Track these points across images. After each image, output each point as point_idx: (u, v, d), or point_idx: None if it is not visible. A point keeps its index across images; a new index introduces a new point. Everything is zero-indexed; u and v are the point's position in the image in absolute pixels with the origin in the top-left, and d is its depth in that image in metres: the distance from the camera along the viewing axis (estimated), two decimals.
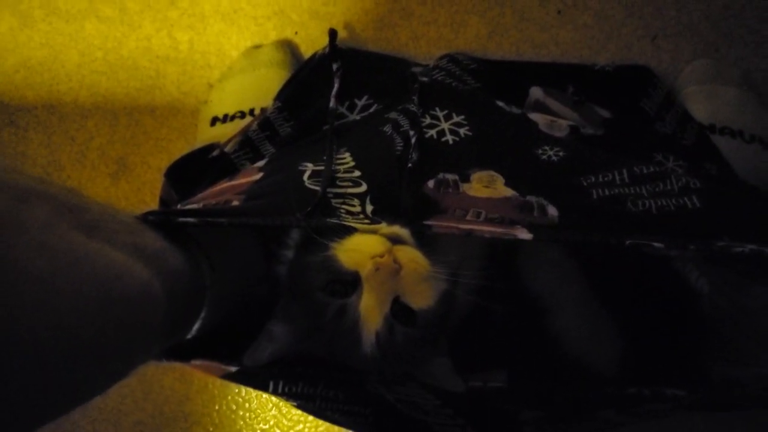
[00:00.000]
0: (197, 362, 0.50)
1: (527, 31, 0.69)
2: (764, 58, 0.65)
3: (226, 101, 0.71)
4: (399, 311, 0.46)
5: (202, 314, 0.46)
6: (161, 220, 0.44)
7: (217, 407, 0.78)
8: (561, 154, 0.55)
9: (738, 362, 0.48)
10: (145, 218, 0.43)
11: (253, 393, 0.77)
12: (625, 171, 0.52)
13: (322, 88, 0.64)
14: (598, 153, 0.56)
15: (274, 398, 0.76)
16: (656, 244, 0.43)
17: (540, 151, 0.55)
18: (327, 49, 0.66)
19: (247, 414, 0.77)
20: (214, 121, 0.71)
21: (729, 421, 0.67)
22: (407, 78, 0.63)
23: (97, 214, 0.36)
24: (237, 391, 0.77)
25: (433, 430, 0.57)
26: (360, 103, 0.64)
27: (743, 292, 0.47)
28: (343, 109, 0.63)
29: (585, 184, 0.52)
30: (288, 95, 0.66)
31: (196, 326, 0.46)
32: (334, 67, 0.64)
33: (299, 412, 0.75)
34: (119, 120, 0.78)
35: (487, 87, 0.65)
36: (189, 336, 0.47)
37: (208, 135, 0.71)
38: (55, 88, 0.78)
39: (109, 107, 0.78)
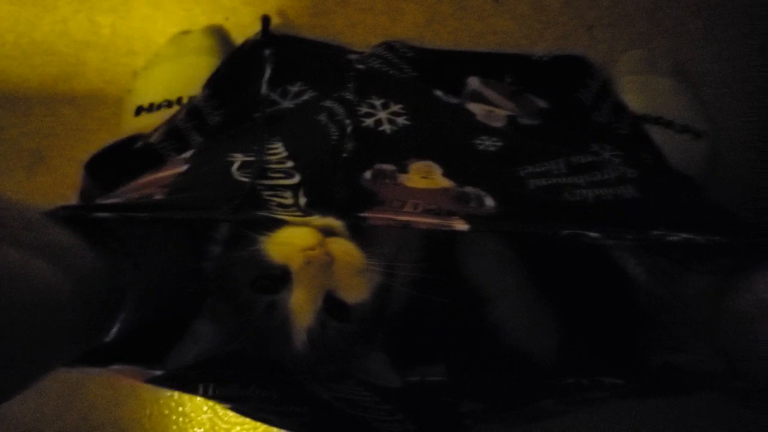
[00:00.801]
0: (117, 367, 0.47)
1: (465, 19, 0.68)
2: (695, 50, 0.67)
3: (151, 90, 0.68)
4: (332, 306, 0.44)
5: (122, 315, 0.43)
6: (75, 216, 0.41)
7: (148, 412, 0.74)
8: (498, 144, 0.54)
9: (674, 349, 0.49)
10: (57, 213, 0.40)
11: (187, 396, 0.74)
12: (561, 161, 0.52)
13: (254, 75, 0.61)
14: (535, 143, 0.56)
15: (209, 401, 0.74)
16: (592, 234, 0.43)
17: (477, 141, 0.54)
18: (259, 35, 0.64)
19: (181, 418, 0.74)
20: (139, 110, 0.67)
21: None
22: (342, 65, 0.61)
23: None
24: (170, 395, 0.74)
25: (372, 426, 0.55)
26: (293, 89, 0.61)
27: (678, 280, 0.48)
28: (275, 96, 0.61)
29: (522, 174, 0.51)
30: (218, 82, 0.63)
31: (115, 328, 0.44)
32: (266, 53, 0.61)
33: (236, 414, 0.72)
34: (34, 109, 0.73)
35: (424, 76, 0.63)
36: (108, 339, 0.44)
37: (132, 125, 0.67)
38: None
39: (22, 95, 0.72)
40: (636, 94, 0.64)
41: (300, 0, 0.70)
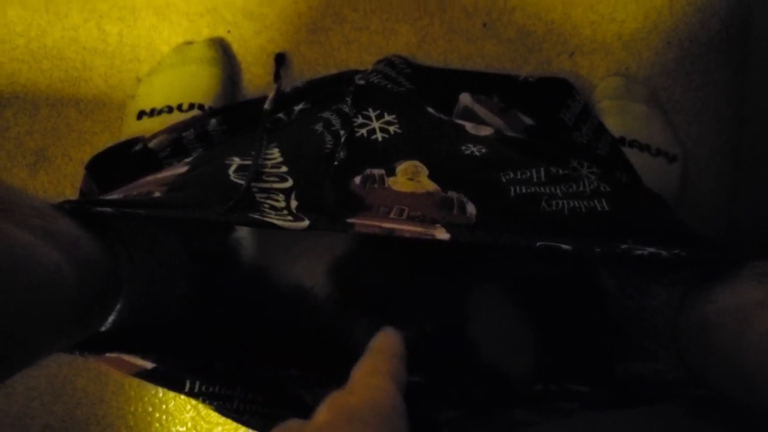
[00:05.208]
0: (112, 355, 0.48)
1: (454, 42, 0.71)
2: (668, 79, 0.70)
3: (154, 95, 0.70)
4: None
5: (118, 306, 0.46)
6: (77, 209, 0.43)
7: (132, 409, 0.75)
8: (483, 150, 0.57)
9: (639, 359, 0.51)
10: (61, 206, 0.43)
11: (171, 394, 0.75)
12: (542, 170, 0.55)
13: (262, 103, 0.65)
14: (518, 153, 0.59)
15: (192, 400, 0.75)
16: (564, 246, 0.45)
17: (463, 147, 0.57)
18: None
19: (164, 416, 0.75)
20: (141, 115, 0.70)
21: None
22: (344, 82, 0.65)
23: (5, 196, 0.35)
24: (154, 392, 0.75)
25: None
26: (297, 108, 0.64)
27: (644, 291, 0.51)
28: (280, 115, 0.64)
29: (504, 180, 0.54)
30: (227, 110, 0.66)
31: (111, 318, 0.46)
32: (276, 85, 0.65)
33: (218, 414, 0.73)
34: (40, 110, 0.75)
35: (420, 90, 0.67)
36: (104, 328, 0.46)
37: (134, 129, 0.69)
38: None
39: (29, 97, 0.75)
40: (614, 117, 0.68)
41: (299, 17, 0.73)
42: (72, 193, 0.73)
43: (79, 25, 0.75)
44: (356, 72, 0.70)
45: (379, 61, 0.70)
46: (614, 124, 0.67)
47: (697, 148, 0.70)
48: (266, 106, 0.62)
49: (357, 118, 0.59)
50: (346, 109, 0.58)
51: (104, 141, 0.74)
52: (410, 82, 0.66)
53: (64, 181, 0.75)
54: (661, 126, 0.69)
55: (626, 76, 0.71)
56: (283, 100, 0.64)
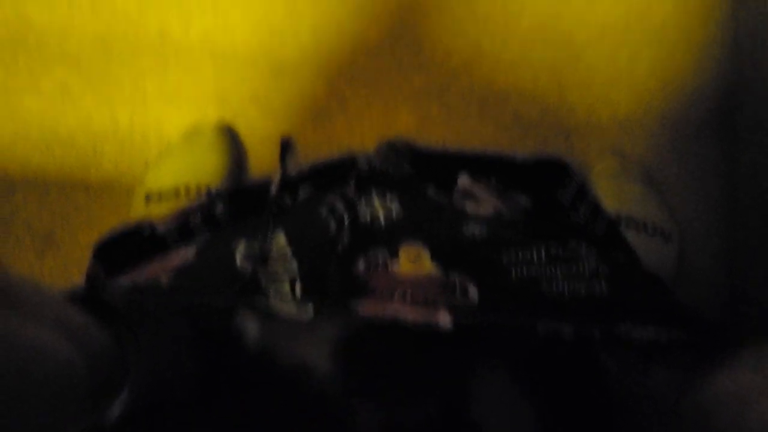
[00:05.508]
0: None
1: (452, 125, 0.74)
2: (662, 160, 0.72)
3: (161, 179, 0.72)
4: None
5: (123, 396, 0.45)
6: (86, 297, 0.44)
7: None
8: (484, 231, 0.58)
9: None
10: (70, 294, 0.43)
11: None
12: (543, 250, 0.56)
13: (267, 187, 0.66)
14: (517, 233, 0.60)
15: None
16: (566, 330, 0.46)
17: (464, 228, 0.59)
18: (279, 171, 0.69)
19: None
20: (149, 198, 0.71)
21: None
22: (347, 166, 0.66)
23: (18, 288, 0.36)
24: None
25: None
26: (302, 191, 0.66)
27: (644, 371, 0.51)
28: (285, 199, 0.65)
29: (505, 261, 0.55)
30: (234, 194, 0.68)
31: (117, 409, 0.45)
32: (282, 167, 0.67)
33: None
34: (49, 195, 0.77)
35: (420, 174, 0.69)
36: (109, 422, 0.46)
37: (141, 212, 0.71)
38: None
39: (39, 182, 0.77)
40: (610, 198, 0.69)
41: (303, 102, 0.76)
42: (79, 278, 0.74)
43: (92, 111, 0.77)
44: (359, 155, 0.72)
45: (380, 144, 0.72)
46: (611, 204, 0.68)
47: (693, 226, 0.71)
48: (272, 191, 0.64)
49: (360, 201, 0.60)
50: (350, 194, 0.60)
51: (111, 224, 0.73)
52: (411, 165, 0.68)
53: (71, 265, 0.76)
54: (657, 205, 0.70)
55: (622, 157, 0.72)
56: (288, 184, 0.66)
